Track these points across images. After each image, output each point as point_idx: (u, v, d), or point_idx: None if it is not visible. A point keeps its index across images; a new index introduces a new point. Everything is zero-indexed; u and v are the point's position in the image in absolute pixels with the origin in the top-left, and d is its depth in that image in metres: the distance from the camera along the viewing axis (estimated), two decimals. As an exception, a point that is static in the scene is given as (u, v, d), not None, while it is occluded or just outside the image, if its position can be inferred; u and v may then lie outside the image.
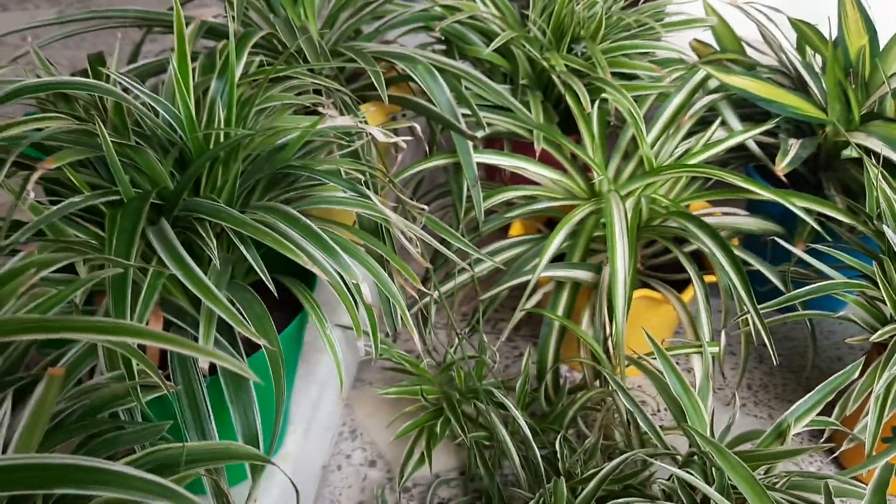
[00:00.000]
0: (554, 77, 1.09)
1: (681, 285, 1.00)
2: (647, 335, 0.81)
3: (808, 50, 1.15)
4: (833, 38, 1.19)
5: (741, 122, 1.07)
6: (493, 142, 1.26)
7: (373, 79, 0.88)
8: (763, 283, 0.99)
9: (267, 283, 0.64)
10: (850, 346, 1.18)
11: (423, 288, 0.83)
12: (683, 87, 1.04)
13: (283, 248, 0.61)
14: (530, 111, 1.11)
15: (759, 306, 0.86)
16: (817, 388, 0.82)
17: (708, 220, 1.04)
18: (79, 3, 2.28)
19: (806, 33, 1.07)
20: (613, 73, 1.13)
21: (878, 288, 0.86)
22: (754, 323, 0.86)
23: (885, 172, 0.92)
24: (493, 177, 1.30)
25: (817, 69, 1.13)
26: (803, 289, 0.88)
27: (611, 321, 0.88)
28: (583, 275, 0.94)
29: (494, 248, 1.02)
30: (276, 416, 0.63)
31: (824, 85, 1.08)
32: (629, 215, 0.92)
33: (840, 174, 1.05)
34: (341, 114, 0.93)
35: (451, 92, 0.96)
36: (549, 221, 1.11)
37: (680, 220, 0.95)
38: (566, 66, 1.13)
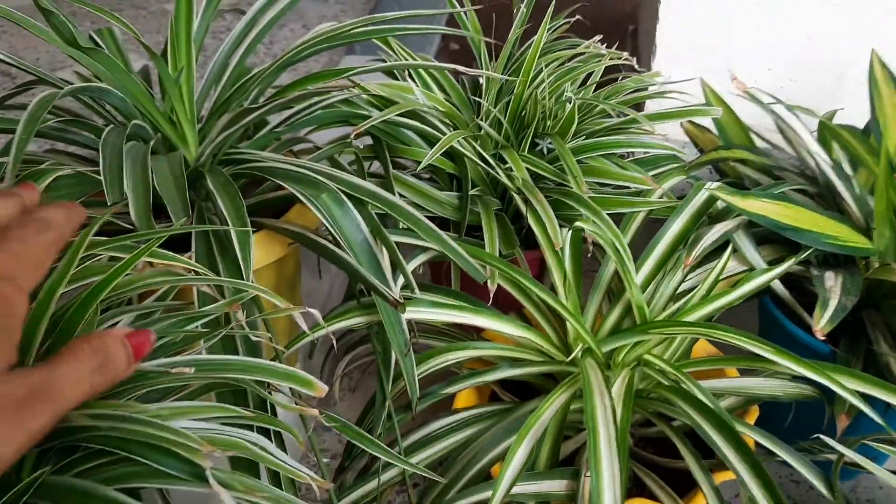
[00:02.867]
0: (511, 192, 0.83)
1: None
2: None
3: (835, 145, 0.90)
4: (864, 126, 0.95)
5: (757, 246, 0.82)
6: (439, 265, 1.00)
7: (236, 243, 0.61)
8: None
9: None
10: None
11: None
12: (685, 209, 0.78)
13: None
14: (483, 227, 0.85)
15: None
16: None
17: (714, 383, 0.78)
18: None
19: (847, 142, 0.82)
20: (588, 182, 0.87)
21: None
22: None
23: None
24: (440, 278, 1.04)
25: (847, 169, 0.88)
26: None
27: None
28: (554, 486, 0.68)
29: (433, 432, 0.75)
30: None
31: (867, 199, 0.83)
32: (619, 408, 0.66)
33: (889, 317, 0.80)
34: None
35: (370, 229, 0.69)
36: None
37: (665, 393, 0.70)
38: (528, 168, 0.87)
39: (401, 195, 0.87)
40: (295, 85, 0.77)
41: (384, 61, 0.98)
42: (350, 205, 0.69)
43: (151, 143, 0.67)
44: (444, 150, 0.79)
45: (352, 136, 0.75)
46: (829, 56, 1.12)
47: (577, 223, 0.75)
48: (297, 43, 0.77)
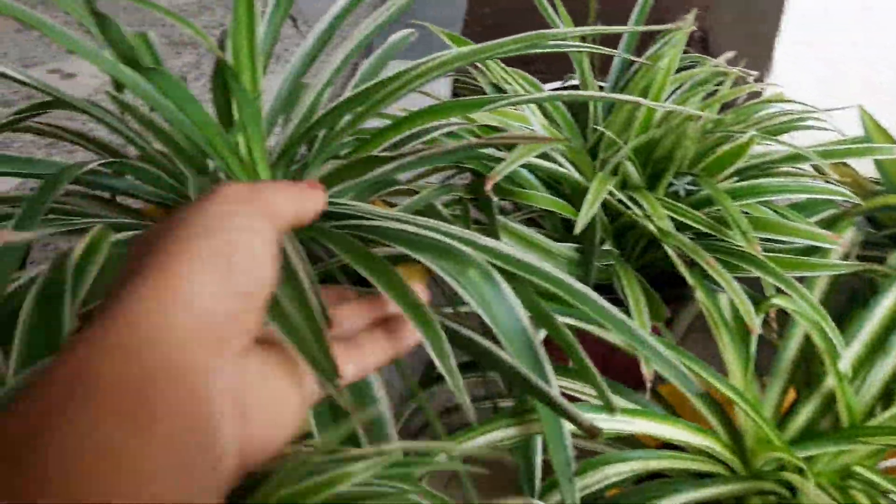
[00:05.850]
0: (668, 249, 0.66)
1: None
2: None
3: None
4: None
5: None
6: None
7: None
8: None
9: None
10: None
11: None
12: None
13: None
14: (624, 294, 0.68)
15: None
16: None
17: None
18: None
19: None
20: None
21: None
22: None
23: None
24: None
25: None
26: None
27: None
28: None
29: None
30: None
31: None
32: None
33: None
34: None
35: (528, 311, 0.51)
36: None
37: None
38: (670, 217, 0.70)
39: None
40: (406, 122, 0.58)
41: (474, 78, 0.81)
42: (504, 284, 0.51)
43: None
44: (595, 206, 0.61)
45: (487, 186, 0.57)
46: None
47: (775, 300, 0.59)
48: (409, 66, 0.57)
